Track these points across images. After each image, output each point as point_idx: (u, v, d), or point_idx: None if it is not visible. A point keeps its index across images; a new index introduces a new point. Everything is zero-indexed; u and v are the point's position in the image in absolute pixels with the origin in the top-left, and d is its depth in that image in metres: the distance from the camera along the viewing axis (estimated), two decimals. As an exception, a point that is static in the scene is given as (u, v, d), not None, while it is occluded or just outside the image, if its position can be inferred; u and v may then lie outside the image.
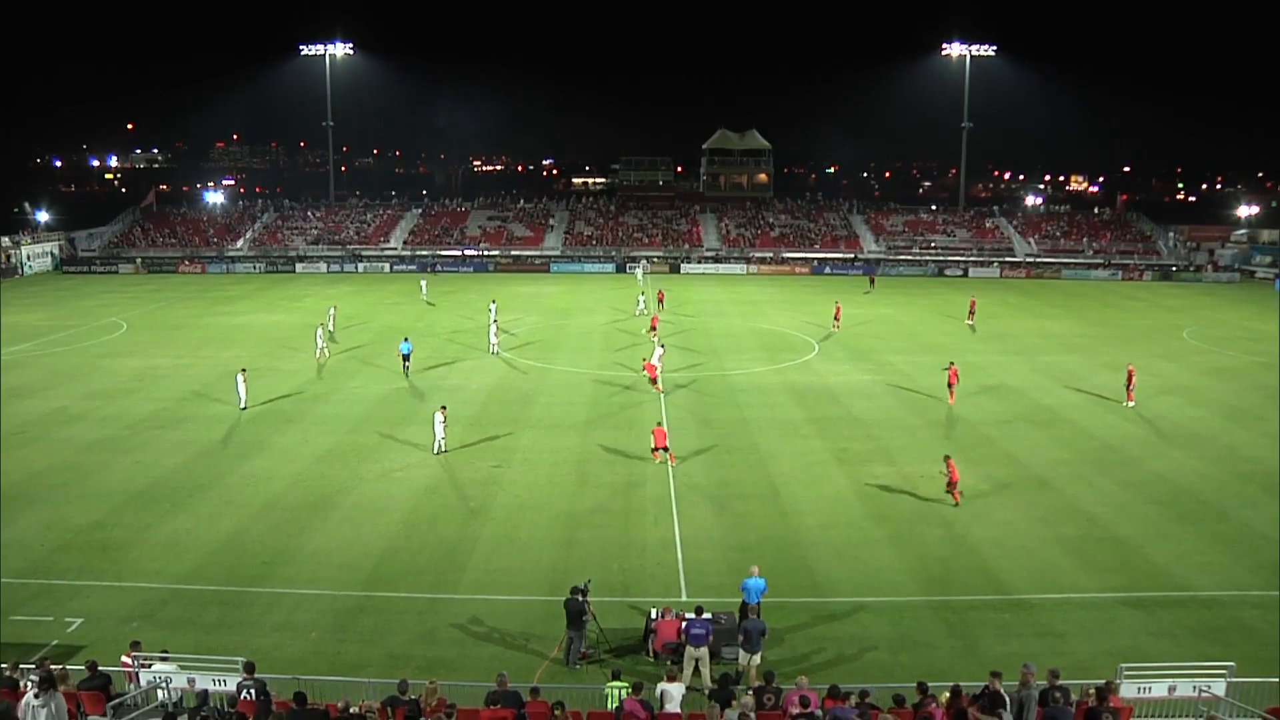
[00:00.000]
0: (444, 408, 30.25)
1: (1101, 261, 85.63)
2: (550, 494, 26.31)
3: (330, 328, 49.59)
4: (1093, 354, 46.89)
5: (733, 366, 43.38)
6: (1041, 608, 19.70)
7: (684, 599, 19.74)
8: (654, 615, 17.91)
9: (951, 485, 25.50)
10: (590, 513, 24.92)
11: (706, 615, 16.96)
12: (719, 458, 29.76)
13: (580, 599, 17.33)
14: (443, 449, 29.63)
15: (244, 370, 35.90)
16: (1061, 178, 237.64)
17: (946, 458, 26.16)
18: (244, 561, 21.73)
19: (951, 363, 38.37)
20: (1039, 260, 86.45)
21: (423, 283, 66.29)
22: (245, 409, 34.64)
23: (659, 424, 31.41)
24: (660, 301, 60.36)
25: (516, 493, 26.39)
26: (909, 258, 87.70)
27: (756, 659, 16.72)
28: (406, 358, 40.96)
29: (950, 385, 36.62)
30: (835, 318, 53.37)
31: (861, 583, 20.84)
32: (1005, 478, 27.88)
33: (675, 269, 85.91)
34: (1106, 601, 19.99)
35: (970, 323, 55.71)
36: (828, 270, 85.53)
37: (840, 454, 30.14)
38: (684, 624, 16.85)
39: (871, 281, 75.67)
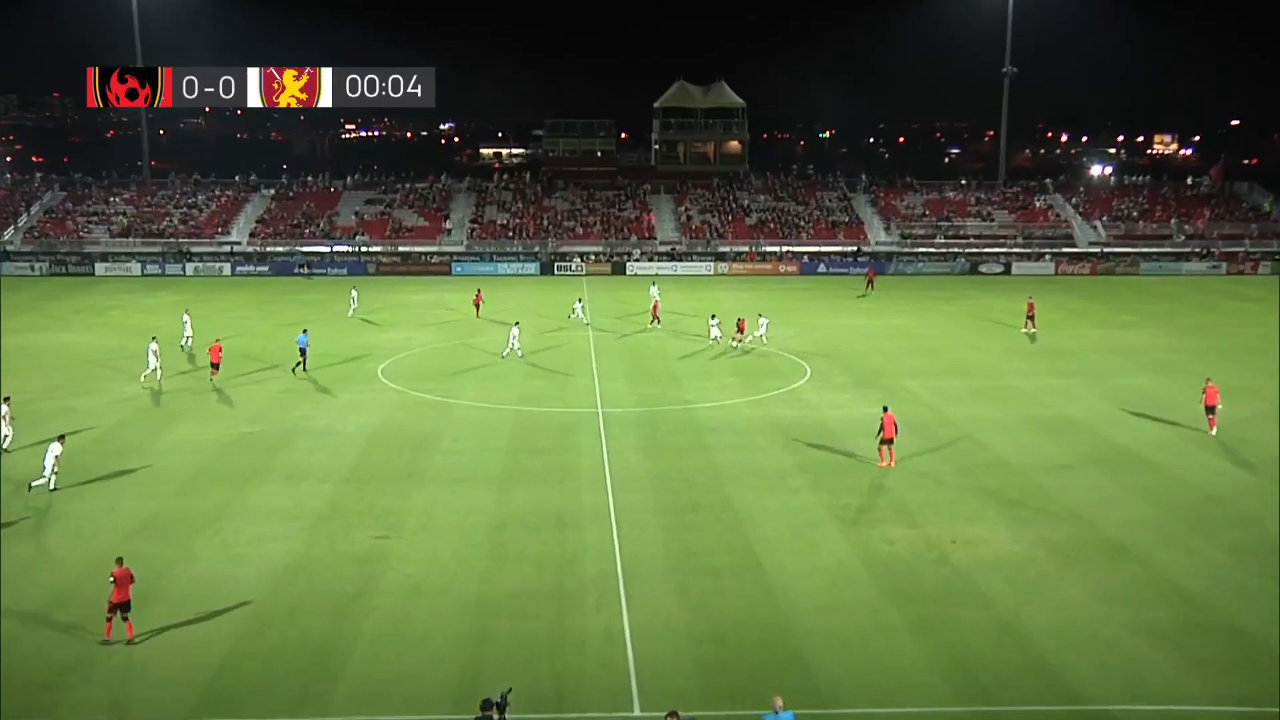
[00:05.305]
0: (62, 438, 31.67)
1: (1197, 250, 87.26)
2: (456, 572, 26.13)
3: (187, 343, 52.46)
4: (1184, 374, 46.77)
5: (697, 397, 43.62)
6: (1127, 721, 19.86)
7: (636, 712, 19.69)
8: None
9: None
10: (510, 597, 24.76)
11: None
12: (681, 519, 29.77)
13: (495, 718, 17.16)
14: (48, 486, 30.95)
15: (8, 399, 35.96)
16: (1140, 138, 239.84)
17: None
18: (14, 685, 20.97)
19: (886, 408, 34.64)
20: (1109, 250, 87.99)
21: (353, 293, 65.35)
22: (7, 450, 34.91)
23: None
24: (477, 306, 63.25)
25: (409, 571, 26.16)
26: (931, 250, 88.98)
27: None
28: (303, 352, 46.78)
29: (887, 441, 33.96)
30: (739, 329, 53.97)
31: (876, 686, 20.90)
32: (1067, 542, 28.16)
33: (619, 269, 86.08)
34: (1222, 716, 20.02)
35: (1028, 331, 56.74)
36: (822, 268, 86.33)
37: (842, 512, 30.35)
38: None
39: (870, 282, 76.16)
